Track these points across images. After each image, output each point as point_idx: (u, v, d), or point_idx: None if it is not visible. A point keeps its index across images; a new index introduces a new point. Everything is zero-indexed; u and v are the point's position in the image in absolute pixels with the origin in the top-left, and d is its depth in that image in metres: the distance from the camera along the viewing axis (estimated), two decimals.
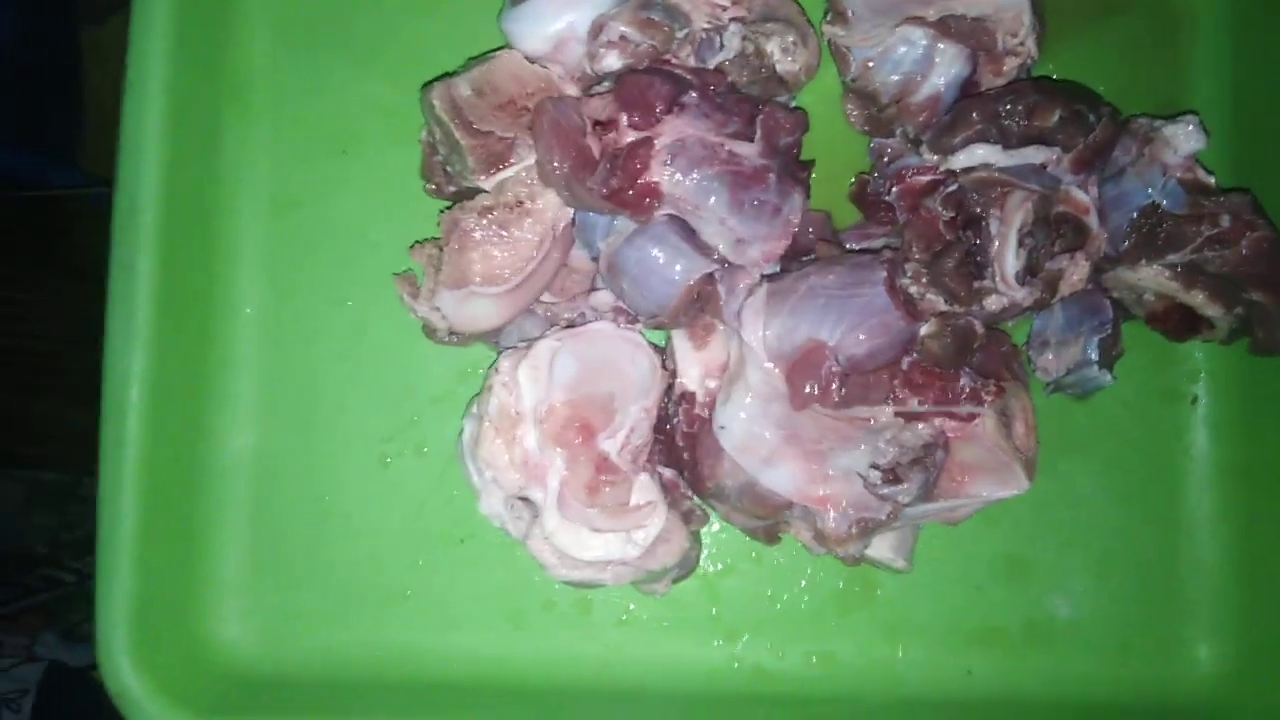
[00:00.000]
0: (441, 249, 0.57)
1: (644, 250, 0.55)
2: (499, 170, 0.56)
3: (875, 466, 0.53)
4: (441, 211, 0.57)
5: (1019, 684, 0.61)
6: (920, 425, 0.54)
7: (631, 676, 0.62)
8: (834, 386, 0.53)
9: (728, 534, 0.63)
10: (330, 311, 0.64)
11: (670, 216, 0.55)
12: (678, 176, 0.54)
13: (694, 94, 0.55)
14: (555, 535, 0.56)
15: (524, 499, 0.57)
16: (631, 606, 0.63)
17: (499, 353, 0.58)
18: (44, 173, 1.19)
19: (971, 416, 0.55)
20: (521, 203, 0.56)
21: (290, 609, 0.63)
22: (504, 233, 0.56)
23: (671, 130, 0.54)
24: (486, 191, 0.56)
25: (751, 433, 0.55)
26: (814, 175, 0.63)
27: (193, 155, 0.62)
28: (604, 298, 0.60)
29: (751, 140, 0.55)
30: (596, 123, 0.55)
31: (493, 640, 0.62)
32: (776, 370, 0.55)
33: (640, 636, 0.62)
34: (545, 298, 0.61)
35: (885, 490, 0.54)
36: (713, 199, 0.53)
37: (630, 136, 0.54)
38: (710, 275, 0.55)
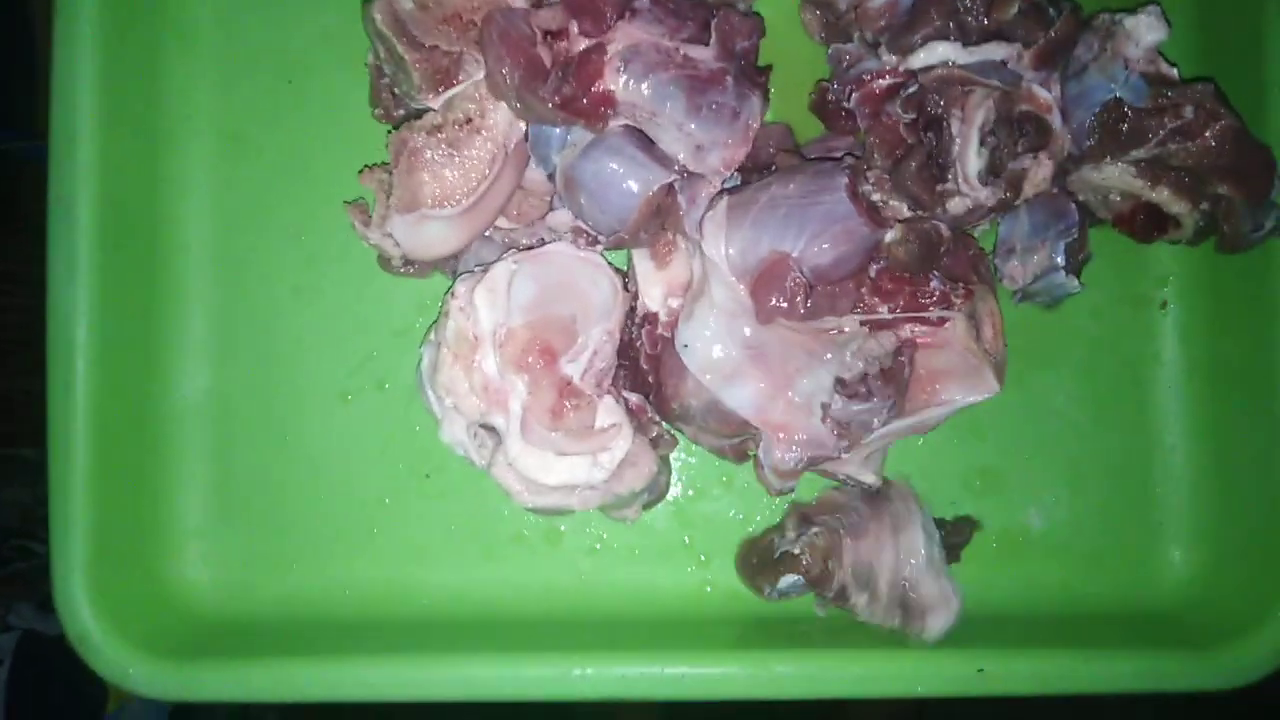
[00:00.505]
0: (391, 172, 0.56)
1: (600, 162, 0.53)
2: (447, 87, 0.54)
3: (841, 381, 0.52)
4: (388, 133, 0.56)
5: (995, 595, 0.61)
6: (885, 334, 0.53)
7: (604, 605, 0.61)
8: (799, 298, 0.52)
9: (698, 459, 0.62)
10: (283, 246, 0.62)
11: (626, 127, 0.53)
12: (632, 82, 0.52)
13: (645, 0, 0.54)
14: (519, 460, 0.54)
15: (486, 426, 0.56)
16: (604, 535, 0.62)
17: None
18: None
19: (942, 321, 0.54)
20: (471, 120, 0.54)
21: (255, 550, 0.61)
22: (454, 152, 0.54)
23: (624, 36, 0.53)
24: (435, 110, 0.55)
25: (715, 350, 0.53)
26: (773, 89, 0.62)
27: (131, 87, 0.60)
28: (562, 217, 0.59)
29: (706, 44, 0.53)
30: (547, 33, 0.54)
31: (463, 574, 0.62)
32: (741, 286, 0.53)
33: (612, 565, 0.62)
34: (503, 223, 0.59)
35: (855, 407, 0.53)
36: (669, 104, 0.52)
37: (582, 44, 0.53)
38: (670, 186, 0.54)
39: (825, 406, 0.52)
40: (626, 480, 0.57)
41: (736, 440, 0.56)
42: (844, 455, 0.52)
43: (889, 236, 0.53)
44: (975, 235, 0.60)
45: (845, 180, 0.52)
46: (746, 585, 0.60)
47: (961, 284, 0.53)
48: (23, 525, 1.21)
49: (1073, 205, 0.58)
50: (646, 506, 0.60)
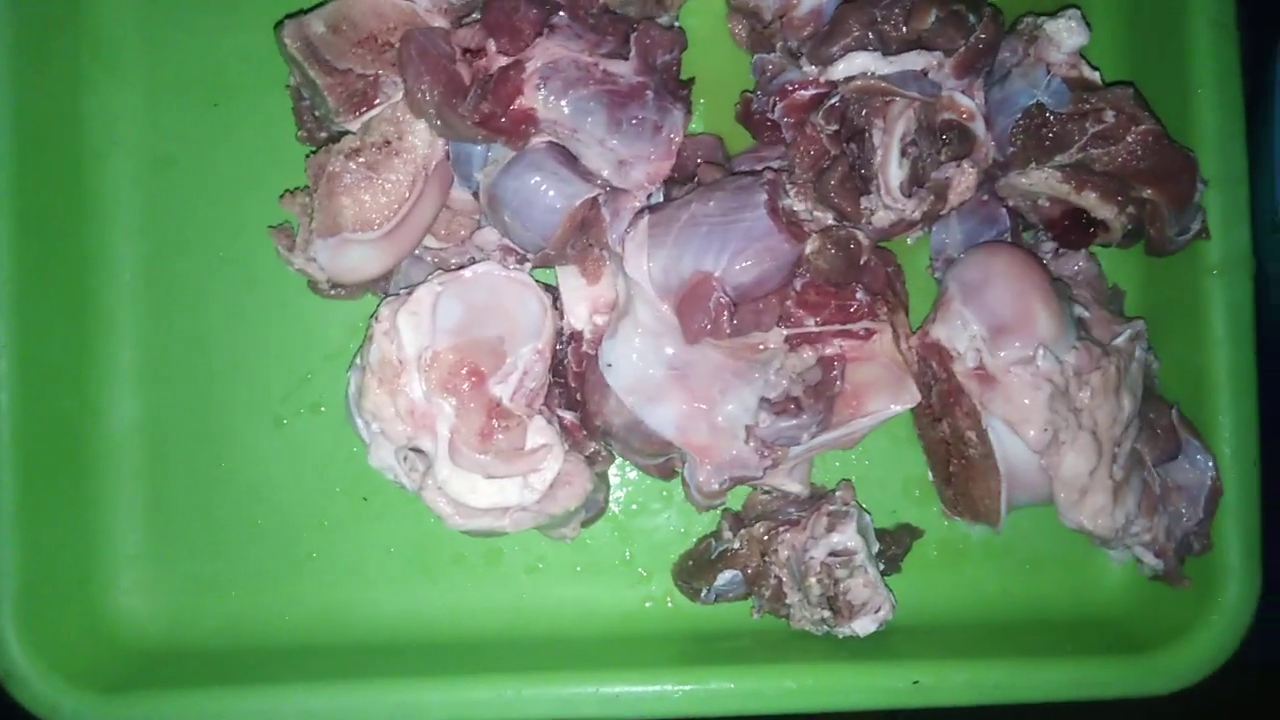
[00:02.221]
0: (312, 196, 0.55)
1: (522, 179, 0.52)
2: (364, 110, 0.53)
3: (767, 400, 0.52)
4: (307, 157, 0.55)
5: (935, 604, 0.61)
6: (806, 350, 0.53)
7: (544, 623, 0.61)
8: (724, 318, 0.51)
9: (639, 475, 0.62)
10: (213, 270, 0.62)
11: (549, 143, 0.53)
12: (552, 99, 0.51)
13: (563, 14, 0.53)
14: (448, 484, 0.54)
15: (416, 450, 0.55)
16: (544, 554, 0.62)
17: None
18: None
19: (869, 333, 0.54)
20: (389, 142, 0.54)
21: (192, 578, 0.61)
22: (373, 174, 0.53)
23: (543, 53, 0.52)
24: (353, 134, 0.54)
25: (639, 370, 0.53)
26: (705, 100, 0.62)
27: (52, 115, 0.59)
28: (489, 235, 0.58)
29: (626, 58, 0.53)
30: (466, 50, 0.53)
31: (403, 596, 0.61)
32: (664, 305, 0.53)
33: (552, 583, 0.61)
34: (432, 243, 0.59)
35: (784, 423, 0.53)
36: (590, 119, 0.51)
37: (501, 62, 0.52)
38: (594, 200, 0.53)
39: (749, 429, 0.52)
40: (560, 500, 0.56)
41: (661, 459, 0.56)
42: (763, 474, 0.52)
43: (809, 248, 0.53)
44: (909, 244, 0.60)
45: (764, 197, 0.52)
46: (682, 590, 0.59)
47: (883, 296, 0.53)
48: None
49: (1004, 211, 0.58)
50: (585, 523, 0.60)
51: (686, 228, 0.52)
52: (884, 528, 0.60)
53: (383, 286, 0.59)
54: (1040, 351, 0.50)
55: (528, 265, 0.57)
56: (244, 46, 0.62)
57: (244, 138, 0.62)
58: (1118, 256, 0.60)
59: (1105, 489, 0.52)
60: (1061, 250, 0.58)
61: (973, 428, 0.52)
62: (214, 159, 0.62)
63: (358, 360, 0.56)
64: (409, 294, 0.55)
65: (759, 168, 0.58)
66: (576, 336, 0.55)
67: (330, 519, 0.62)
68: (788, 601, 0.56)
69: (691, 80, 0.57)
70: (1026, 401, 0.50)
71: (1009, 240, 0.57)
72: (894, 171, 0.51)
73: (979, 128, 0.53)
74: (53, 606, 0.57)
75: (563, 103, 0.52)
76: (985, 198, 0.57)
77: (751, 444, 0.51)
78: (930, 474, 0.60)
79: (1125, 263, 0.61)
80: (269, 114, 0.61)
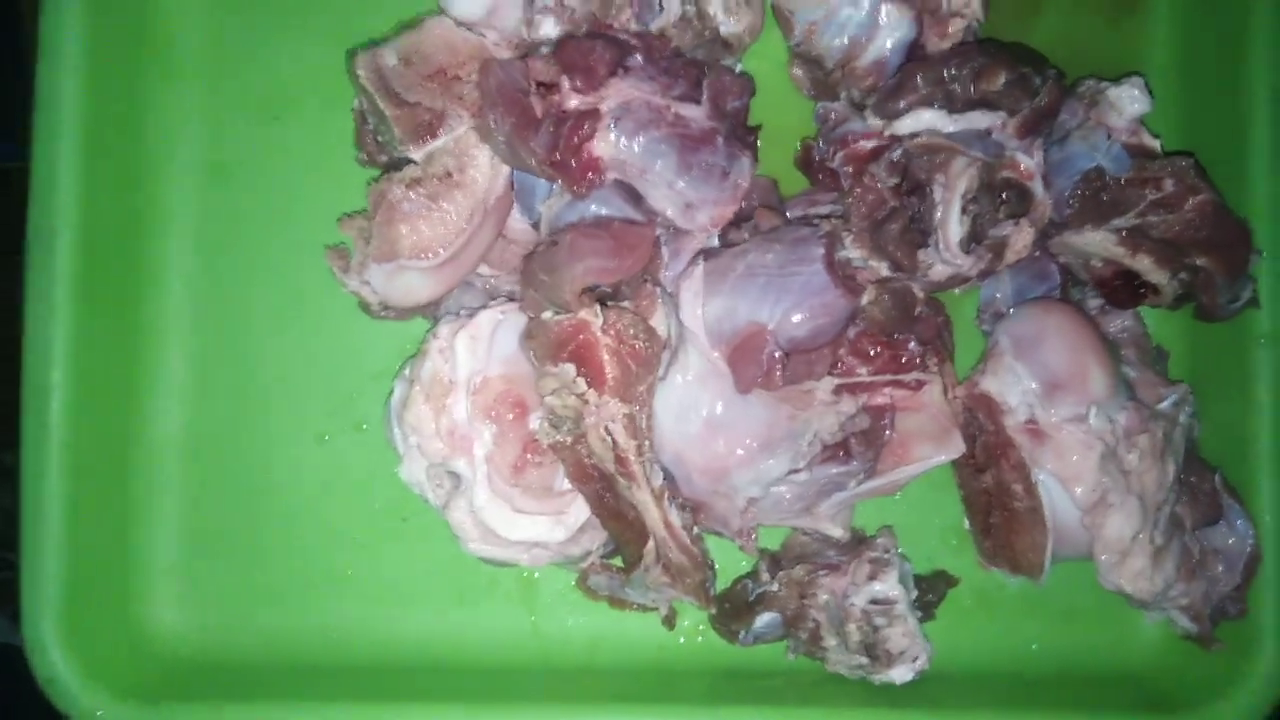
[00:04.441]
0: (371, 220, 0.55)
1: (585, 213, 0.53)
2: (428, 141, 0.54)
3: (795, 471, 0.53)
4: (369, 183, 0.55)
5: (968, 653, 0.61)
6: (847, 399, 0.54)
7: (578, 652, 0.61)
8: (777, 371, 0.52)
9: None
10: (264, 284, 0.62)
11: (614, 180, 0.53)
12: (624, 141, 0.52)
13: (639, 56, 0.54)
14: (485, 511, 0.54)
15: (448, 470, 0.55)
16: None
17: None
18: None
19: (920, 384, 0.54)
20: (450, 174, 0.54)
21: (229, 591, 0.61)
22: (432, 205, 0.54)
23: (617, 94, 0.52)
24: (415, 163, 0.54)
25: (682, 414, 0.53)
26: (761, 141, 0.62)
27: (115, 120, 0.59)
28: None
29: (698, 103, 0.53)
30: (539, 84, 0.54)
31: (437, 619, 0.61)
32: (715, 353, 0.53)
33: (584, 613, 0.61)
34: (484, 270, 0.59)
35: (834, 469, 0.53)
36: (660, 162, 0.52)
37: (573, 100, 0.53)
38: (655, 239, 0.54)
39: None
40: (582, 542, 0.56)
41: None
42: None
43: (864, 299, 0.53)
44: (957, 293, 0.61)
45: (822, 251, 0.52)
46: (721, 633, 0.60)
47: (932, 348, 0.54)
48: (3, 531, 1.20)
49: (1055, 268, 0.58)
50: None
51: (743, 278, 0.53)
52: (920, 574, 0.60)
53: (432, 310, 0.60)
54: (1093, 410, 0.51)
55: None
56: (308, 62, 0.62)
57: (302, 154, 0.62)
58: (1163, 317, 0.61)
59: (1146, 553, 0.52)
60: (1107, 307, 0.59)
61: (1020, 481, 0.53)
62: (271, 174, 0.62)
63: (405, 371, 0.56)
64: (470, 316, 0.55)
65: (812, 212, 0.59)
66: None
67: (369, 538, 0.62)
68: (824, 645, 0.56)
69: (758, 127, 0.57)
70: (1077, 459, 0.51)
71: (1058, 296, 0.58)
72: (954, 228, 0.52)
73: (1038, 188, 0.53)
74: (93, 615, 0.57)
75: (634, 144, 0.52)
76: (1037, 254, 0.58)
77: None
78: (967, 523, 0.60)
79: (1169, 323, 0.62)
80: (329, 132, 0.62)
